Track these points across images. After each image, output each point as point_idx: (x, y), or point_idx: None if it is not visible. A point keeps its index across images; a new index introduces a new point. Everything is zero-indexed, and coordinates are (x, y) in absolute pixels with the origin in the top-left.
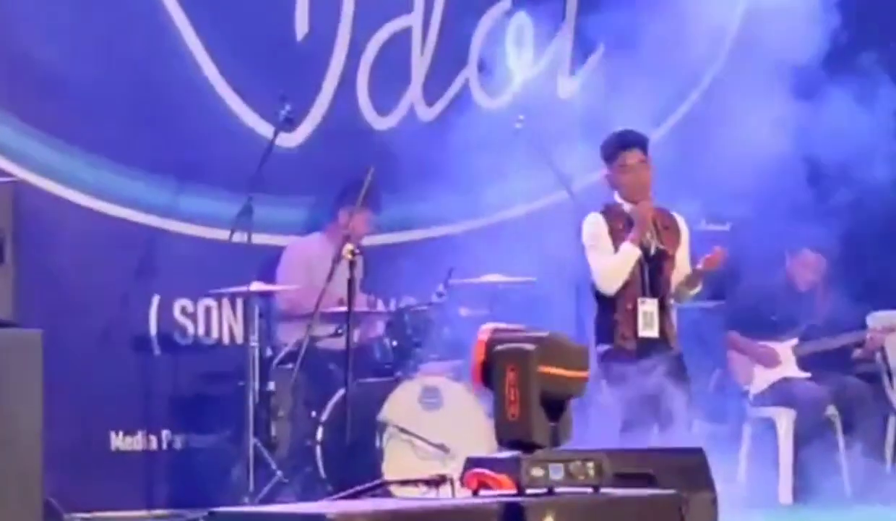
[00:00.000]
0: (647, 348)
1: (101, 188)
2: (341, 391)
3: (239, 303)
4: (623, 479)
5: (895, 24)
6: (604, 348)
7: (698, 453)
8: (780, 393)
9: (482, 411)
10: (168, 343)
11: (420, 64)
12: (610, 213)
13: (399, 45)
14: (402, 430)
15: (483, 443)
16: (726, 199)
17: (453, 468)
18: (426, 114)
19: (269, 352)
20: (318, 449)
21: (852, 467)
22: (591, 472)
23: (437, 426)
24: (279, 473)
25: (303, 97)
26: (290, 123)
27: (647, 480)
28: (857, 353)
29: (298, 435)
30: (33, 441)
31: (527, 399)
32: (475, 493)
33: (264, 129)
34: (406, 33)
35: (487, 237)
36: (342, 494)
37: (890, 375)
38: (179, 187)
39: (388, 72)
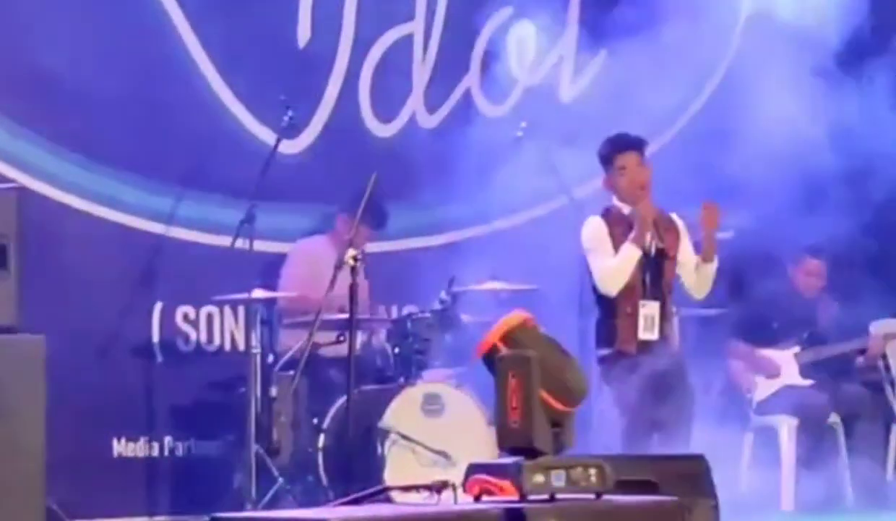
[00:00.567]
0: (647, 351)
1: (103, 195)
2: (343, 398)
3: (241, 310)
4: (625, 485)
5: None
6: (604, 351)
7: (700, 459)
8: (783, 401)
9: (484, 417)
10: (170, 350)
11: (422, 71)
12: (609, 216)
13: (401, 52)
14: (404, 437)
15: (485, 449)
16: (728, 206)
17: (455, 475)
18: (428, 121)
19: (270, 359)
20: (320, 456)
21: (854, 475)
22: (593, 478)
23: (438, 433)
24: (281, 479)
25: (305, 104)
26: (292, 130)
27: (649, 486)
28: (860, 361)
29: (300, 442)
30: (36, 448)
31: (529, 405)
32: (477, 499)
33: (267, 136)
34: (408, 40)
35: (490, 244)
36: (344, 500)
37: (892, 382)
38: (182, 194)
39: (390, 79)
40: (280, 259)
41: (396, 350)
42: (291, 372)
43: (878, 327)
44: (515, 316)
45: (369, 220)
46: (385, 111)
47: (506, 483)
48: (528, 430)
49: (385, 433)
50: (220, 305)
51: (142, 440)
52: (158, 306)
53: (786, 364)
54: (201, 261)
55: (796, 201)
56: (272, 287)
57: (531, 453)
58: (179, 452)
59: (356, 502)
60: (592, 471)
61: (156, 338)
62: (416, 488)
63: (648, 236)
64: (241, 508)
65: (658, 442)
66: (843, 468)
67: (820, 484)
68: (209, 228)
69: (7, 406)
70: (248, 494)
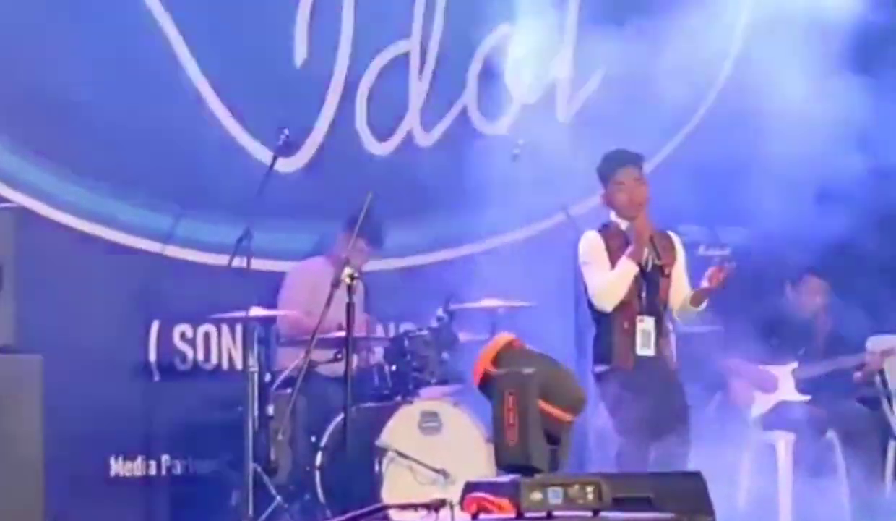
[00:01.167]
0: (644, 367)
1: (100, 214)
2: (340, 416)
3: (238, 328)
4: (622, 503)
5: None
6: (601, 368)
7: (697, 476)
8: (780, 417)
9: (481, 435)
10: (168, 368)
11: (418, 89)
12: (607, 231)
13: (397, 71)
14: (402, 455)
15: (482, 467)
16: (726, 223)
17: (453, 493)
18: (425, 139)
19: (268, 377)
20: (318, 474)
21: (852, 490)
22: (590, 496)
23: (436, 451)
24: (278, 498)
25: (302, 122)
26: (289, 149)
27: (646, 504)
28: (857, 376)
29: (298, 460)
30: (34, 466)
31: (526, 424)
32: (474, 517)
33: (263, 154)
34: (404, 58)
35: (486, 262)
36: (341, 518)
37: (890, 398)
38: (179, 213)
39: (387, 97)
40: (277, 277)
41: (394, 368)
42: (289, 390)
43: (876, 343)
44: (500, 339)
45: (367, 238)
46: (382, 129)
47: (503, 501)
48: (526, 448)
49: (383, 451)
50: (218, 323)
51: (139, 459)
52: (156, 325)
53: (783, 380)
54: (198, 279)
55: (794, 219)
56: (269, 306)
57: (528, 470)
58: (177, 470)
59: (354, 520)
60: (589, 488)
61: (153, 357)
62: (414, 506)
63: (646, 252)
64: None
65: (655, 459)
66: (840, 484)
67: (818, 500)
68: (206, 246)
69: (5, 425)
70: (245, 512)
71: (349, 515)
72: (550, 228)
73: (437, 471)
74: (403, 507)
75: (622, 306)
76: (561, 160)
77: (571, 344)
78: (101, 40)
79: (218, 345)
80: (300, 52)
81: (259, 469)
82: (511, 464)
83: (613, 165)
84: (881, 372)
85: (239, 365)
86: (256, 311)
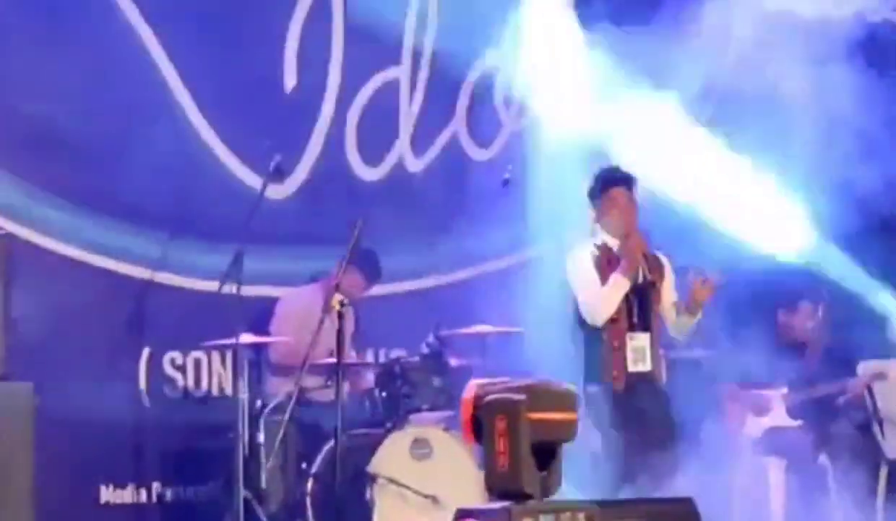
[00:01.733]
0: (635, 385)
1: (90, 240)
2: (331, 443)
3: (228, 355)
4: None
5: None
6: (592, 387)
7: (688, 502)
8: (772, 441)
9: (473, 461)
10: (158, 396)
11: (408, 115)
12: (597, 250)
13: (387, 97)
14: (393, 481)
15: (474, 493)
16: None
17: (444, 519)
18: (415, 165)
19: (258, 404)
20: (309, 500)
21: (844, 514)
22: None
23: (427, 477)
24: None
25: (292, 149)
26: (279, 175)
27: None
28: (846, 400)
29: (288, 487)
30: (24, 494)
31: (516, 449)
32: None
33: (254, 180)
34: (394, 84)
35: (476, 288)
36: None
37: (880, 422)
38: (169, 239)
39: (377, 123)
40: (268, 303)
41: (384, 394)
42: (279, 417)
43: (866, 368)
44: (469, 387)
45: (364, 270)
46: (372, 155)
47: None
48: (517, 474)
49: (374, 478)
50: (208, 350)
51: (130, 487)
52: (146, 352)
53: (775, 405)
54: (189, 306)
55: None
56: (260, 332)
57: (520, 497)
58: (168, 498)
59: None
60: (581, 515)
61: (143, 384)
62: None
63: (639, 269)
64: None
65: (646, 484)
66: (832, 508)
67: None
68: (197, 273)
69: None
70: None
71: None
72: (540, 252)
73: (428, 497)
74: None
75: (612, 323)
76: (551, 184)
77: (564, 368)
78: (90, 66)
79: (208, 372)
80: (290, 78)
81: (249, 496)
82: (502, 490)
83: (605, 185)
84: (871, 396)
85: (229, 392)
86: (247, 337)
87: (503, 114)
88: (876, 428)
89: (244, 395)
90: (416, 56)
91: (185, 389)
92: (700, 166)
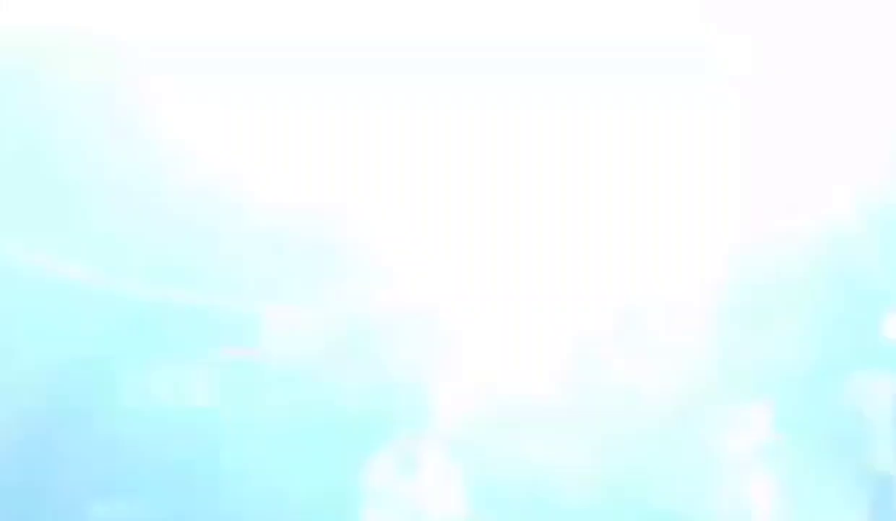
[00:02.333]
0: None
1: (72, 254)
2: None
3: (214, 369)
4: None
5: None
6: None
7: None
8: (760, 454)
9: (459, 476)
10: (144, 410)
11: None
12: None
13: None
14: (380, 497)
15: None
16: None
17: None
18: None
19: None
20: None
21: None
22: None
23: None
24: None
25: None
26: None
27: None
28: (836, 412)
29: None
30: None
31: None
32: None
33: None
34: None
35: None
36: None
37: (871, 434)
38: (154, 254)
39: None
40: (254, 318)
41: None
42: None
43: (856, 381)
44: None
45: None
46: None
47: None
48: None
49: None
50: (195, 364)
51: (119, 502)
52: (131, 368)
53: (764, 417)
54: (174, 320)
55: None
56: (246, 346)
57: None
58: (156, 513)
59: None
60: None
61: (130, 399)
62: None
63: None
64: None
65: None
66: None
67: None
68: (182, 285)
69: None
70: None
71: None
72: None
73: (414, 513)
74: None
75: None
76: None
77: None
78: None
79: (192, 386)
80: None
81: None
82: None
83: None
84: (862, 409)
85: (214, 405)
86: (232, 351)
87: None
88: (866, 440)
89: (228, 409)
90: None
91: (169, 402)
92: None
